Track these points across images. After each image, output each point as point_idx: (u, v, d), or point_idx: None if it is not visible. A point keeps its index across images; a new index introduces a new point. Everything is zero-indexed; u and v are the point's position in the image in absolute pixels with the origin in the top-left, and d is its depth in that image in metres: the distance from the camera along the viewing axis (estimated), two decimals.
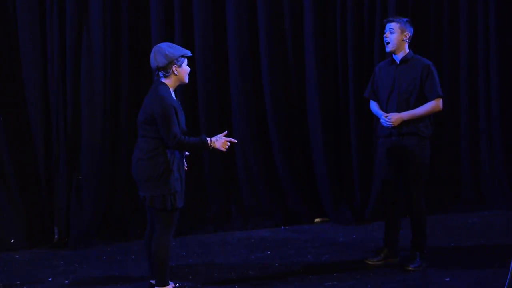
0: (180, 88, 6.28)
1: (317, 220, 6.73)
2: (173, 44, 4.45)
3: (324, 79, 6.69)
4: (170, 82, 4.39)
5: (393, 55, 5.11)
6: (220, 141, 4.40)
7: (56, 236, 6.01)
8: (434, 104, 5.00)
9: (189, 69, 4.46)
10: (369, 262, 5.18)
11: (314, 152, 6.72)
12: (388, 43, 5.06)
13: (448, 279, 4.84)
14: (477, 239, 5.89)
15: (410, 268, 5.03)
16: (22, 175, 5.92)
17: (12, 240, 5.84)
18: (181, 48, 4.40)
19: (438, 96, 5.00)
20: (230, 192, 6.58)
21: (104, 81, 6.03)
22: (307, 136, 6.79)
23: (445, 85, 7.09)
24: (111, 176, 6.16)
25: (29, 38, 5.89)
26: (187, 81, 4.47)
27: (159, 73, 4.37)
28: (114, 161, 6.18)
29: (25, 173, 5.94)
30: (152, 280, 4.61)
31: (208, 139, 4.37)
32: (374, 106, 5.22)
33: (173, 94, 4.41)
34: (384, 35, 5.09)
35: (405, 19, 5.10)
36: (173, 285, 4.62)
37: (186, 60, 4.42)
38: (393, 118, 4.96)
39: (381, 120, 5.05)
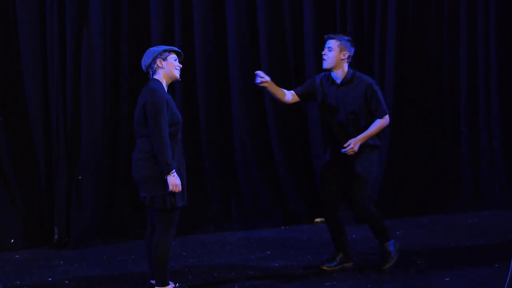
0: (180, 88, 6.33)
1: (317, 220, 6.73)
2: (160, 46, 4.53)
3: None
4: (160, 78, 4.42)
5: (332, 73, 4.96)
6: (176, 182, 4.28)
7: (56, 236, 6.01)
8: (382, 122, 4.94)
9: (178, 64, 4.47)
10: (325, 268, 5.09)
11: (314, 152, 6.71)
12: (324, 60, 4.92)
13: (448, 279, 4.84)
14: (477, 239, 5.89)
15: (387, 266, 4.99)
16: (22, 175, 5.92)
17: (12, 240, 5.84)
18: (168, 46, 4.48)
19: (384, 114, 4.94)
20: (230, 192, 6.58)
21: (104, 81, 6.03)
22: (307, 136, 6.79)
23: (445, 85, 7.11)
24: (111, 176, 6.16)
25: (29, 38, 5.88)
26: (178, 75, 4.48)
27: (149, 71, 4.43)
28: (114, 161, 6.18)
29: (25, 173, 5.94)
30: (152, 280, 4.61)
31: (174, 170, 4.27)
32: (285, 91, 5.08)
33: (166, 89, 4.42)
34: (323, 52, 4.94)
35: (346, 38, 4.93)
36: (173, 285, 4.63)
37: (173, 55, 4.44)
38: (353, 146, 4.84)
39: (342, 151, 4.90)
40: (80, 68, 6.00)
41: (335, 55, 4.91)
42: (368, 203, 5.07)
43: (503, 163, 7.13)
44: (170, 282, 4.52)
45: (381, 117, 4.95)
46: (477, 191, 7.16)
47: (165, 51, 4.43)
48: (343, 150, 4.89)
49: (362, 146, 4.93)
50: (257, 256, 5.52)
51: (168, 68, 4.42)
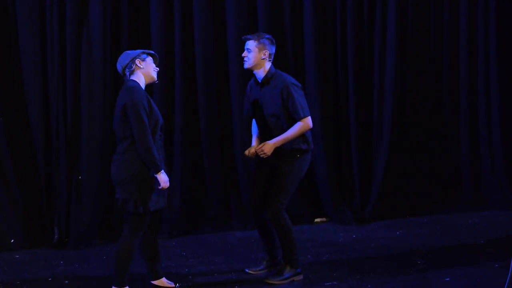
0: (180, 88, 6.33)
1: (317, 220, 6.73)
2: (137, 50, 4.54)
3: (323, 79, 6.68)
4: (138, 78, 4.41)
5: (254, 73, 4.87)
6: (165, 179, 4.30)
7: (56, 236, 6.01)
8: (302, 125, 4.75)
9: (156, 67, 4.49)
10: (251, 272, 5.01)
11: (314, 152, 6.68)
12: (245, 61, 4.81)
13: (448, 279, 4.84)
14: (477, 239, 5.89)
15: (270, 281, 4.79)
16: (22, 175, 5.92)
17: (12, 240, 5.84)
18: (145, 50, 4.50)
19: (303, 117, 4.74)
20: (230, 192, 6.57)
21: (104, 81, 6.03)
22: None
23: (445, 86, 7.11)
24: (111, 176, 6.15)
25: (29, 38, 5.88)
26: (155, 77, 4.49)
27: (126, 72, 4.42)
28: None
29: (25, 173, 5.94)
30: (152, 280, 4.62)
31: (163, 170, 4.29)
32: (254, 125, 5.01)
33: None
34: (243, 54, 4.83)
35: (265, 36, 4.83)
36: (173, 285, 4.65)
37: (150, 58, 4.46)
38: (265, 148, 4.72)
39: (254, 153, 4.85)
40: (80, 68, 6.00)
41: (255, 56, 4.78)
42: (281, 210, 4.81)
43: (503, 163, 7.12)
44: (166, 281, 4.56)
45: (299, 119, 4.74)
46: (477, 191, 7.15)
47: (143, 52, 4.45)
48: (256, 150, 4.79)
49: (286, 151, 4.78)
50: (257, 256, 5.52)
51: (146, 69, 4.43)
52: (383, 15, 6.77)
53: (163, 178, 4.28)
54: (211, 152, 6.47)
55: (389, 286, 4.73)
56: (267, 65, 4.85)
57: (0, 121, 5.86)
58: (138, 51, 4.48)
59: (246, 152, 4.95)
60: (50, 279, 5.04)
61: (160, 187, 4.30)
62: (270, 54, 4.84)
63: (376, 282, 4.81)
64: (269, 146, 4.75)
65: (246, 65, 4.85)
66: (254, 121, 5.06)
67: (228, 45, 6.46)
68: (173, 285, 4.65)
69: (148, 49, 6.10)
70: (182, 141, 6.36)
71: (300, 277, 4.91)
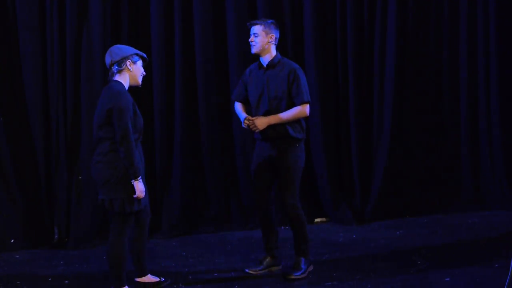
0: (180, 88, 6.33)
1: (317, 220, 6.73)
2: (130, 46, 4.51)
3: (324, 79, 6.69)
4: (123, 80, 4.39)
5: (260, 58, 4.94)
6: (141, 188, 4.31)
7: (56, 236, 6.02)
8: (300, 109, 4.84)
9: (144, 72, 4.48)
10: (251, 272, 5.01)
11: (314, 152, 6.71)
12: (253, 46, 4.89)
13: (448, 279, 4.84)
14: (477, 239, 5.89)
15: (292, 277, 4.85)
16: (22, 175, 5.92)
17: (12, 240, 5.85)
18: (137, 51, 4.46)
19: (304, 102, 4.84)
20: (230, 192, 6.58)
21: (104, 81, 6.02)
22: (307, 136, 6.77)
23: (445, 85, 7.11)
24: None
25: (29, 38, 5.89)
26: (140, 82, 4.48)
27: (113, 68, 4.37)
28: None
29: (25, 173, 5.94)
30: (138, 278, 4.64)
31: (140, 177, 4.29)
32: (237, 107, 5.09)
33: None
34: (249, 39, 4.91)
35: (269, 21, 4.93)
36: (158, 279, 4.68)
37: (141, 61, 4.45)
38: (257, 121, 4.80)
39: (242, 124, 4.91)
40: (80, 68, 6.00)
41: (261, 40, 4.88)
42: (296, 201, 4.90)
43: (503, 163, 7.12)
44: (151, 276, 4.59)
45: (300, 103, 4.84)
46: (477, 191, 7.15)
47: (136, 54, 4.41)
48: (243, 124, 4.85)
49: (285, 140, 4.85)
50: (257, 256, 5.51)
51: (134, 73, 4.42)
52: (383, 13, 6.76)
53: (139, 187, 4.30)
54: (211, 152, 6.47)
55: (389, 286, 4.73)
56: (273, 49, 4.95)
57: (0, 121, 5.86)
58: (131, 50, 4.41)
59: (246, 121, 4.90)
60: (50, 279, 5.05)
61: (135, 196, 4.30)
62: (276, 38, 4.94)
63: (376, 282, 4.81)
64: (263, 120, 4.81)
65: (254, 49, 4.93)
66: (237, 104, 5.09)
67: (228, 45, 6.46)
68: (158, 279, 4.67)
69: (149, 48, 6.17)
70: (182, 141, 6.36)
71: (311, 267, 5.01)
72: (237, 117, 6.47)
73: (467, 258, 5.32)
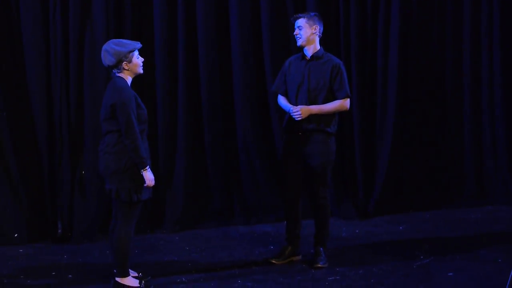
0: (183, 85, 6.33)
1: None
2: (122, 41, 4.54)
3: None
4: (125, 76, 4.51)
5: (304, 49, 5.10)
6: (150, 177, 4.43)
7: (59, 231, 6.02)
8: (342, 103, 5.03)
9: (142, 59, 4.56)
10: (274, 261, 5.15)
11: None
12: (299, 38, 5.07)
13: (451, 273, 4.84)
14: (480, 234, 5.89)
15: (320, 265, 5.03)
16: (26, 170, 5.94)
17: (16, 235, 5.86)
18: (129, 44, 4.50)
19: (346, 96, 5.03)
20: (233, 187, 6.58)
21: (107, 75, 6.01)
22: None
23: (448, 79, 7.09)
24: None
25: (32, 33, 5.89)
26: (141, 71, 4.58)
27: (112, 70, 4.50)
28: None
29: (29, 168, 5.95)
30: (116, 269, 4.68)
31: (148, 166, 4.41)
32: (282, 100, 5.21)
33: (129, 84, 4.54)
34: (294, 33, 5.09)
35: (312, 14, 5.12)
36: (136, 274, 4.71)
37: (136, 53, 4.51)
38: (302, 110, 4.95)
39: (290, 114, 5.01)
40: (83, 63, 6.00)
41: (306, 32, 5.06)
42: (327, 193, 5.11)
43: (507, 158, 7.11)
44: (131, 271, 4.62)
45: (342, 97, 5.01)
46: (481, 186, 7.14)
47: (129, 52, 4.45)
48: (290, 112, 4.95)
49: (319, 134, 5.00)
50: (260, 251, 5.53)
51: (132, 69, 4.51)
52: (387, 11, 6.75)
53: (148, 176, 4.43)
54: (214, 147, 6.47)
55: (391, 280, 4.74)
56: (317, 40, 5.11)
57: (3, 115, 5.87)
58: (124, 50, 4.43)
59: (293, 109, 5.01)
60: (53, 273, 5.06)
61: (145, 185, 4.42)
62: (319, 30, 5.10)
63: (378, 277, 4.81)
64: (307, 109, 4.97)
65: (300, 42, 5.08)
66: (281, 97, 5.21)
67: (232, 43, 6.45)
68: (136, 274, 4.72)
69: (152, 43, 6.16)
70: (185, 136, 6.36)
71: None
72: (240, 112, 6.51)
73: (470, 253, 5.32)
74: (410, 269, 4.97)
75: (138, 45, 4.53)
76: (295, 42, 6.56)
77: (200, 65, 6.38)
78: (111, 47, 4.45)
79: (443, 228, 6.16)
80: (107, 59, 4.46)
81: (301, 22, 5.06)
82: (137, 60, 4.52)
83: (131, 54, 4.47)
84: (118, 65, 4.46)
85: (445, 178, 7.07)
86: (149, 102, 6.15)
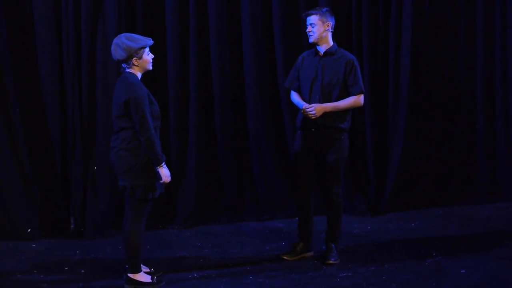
0: (195, 81, 6.33)
1: None
2: (134, 36, 4.52)
3: None
4: (135, 71, 4.51)
5: (317, 46, 5.09)
6: (167, 173, 4.45)
7: (72, 226, 6.06)
8: (356, 99, 5.02)
9: (152, 56, 4.56)
10: (286, 258, 5.16)
11: None
12: (311, 35, 5.04)
13: (463, 271, 4.83)
14: (493, 231, 5.86)
15: (331, 262, 5.03)
16: (39, 165, 5.97)
17: (29, 230, 5.90)
18: (141, 40, 4.49)
19: (360, 92, 5.01)
20: (245, 183, 6.58)
21: (119, 72, 6.01)
22: None
23: (461, 76, 7.05)
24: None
25: (45, 30, 5.91)
26: (151, 68, 4.59)
27: (122, 65, 4.50)
28: None
29: (42, 164, 5.98)
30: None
31: (164, 163, 4.43)
32: (295, 96, 5.20)
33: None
34: (307, 30, 5.06)
35: (324, 9, 5.09)
36: (148, 270, 4.74)
37: (147, 49, 4.51)
38: (316, 108, 4.93)
39: (303, 109, 5.00)
40: (96, 59, 6.02)
41: (319, 29, 5.04)
42: (340, 190, 5.13)
43: None
44: (142, 266, 4.64)
45: (356, 93, 5.00)
46: (493, 183, 7.10)
47: (140, 48, 4.45)
48: (305, 107, 4.93)
49: (333, 130, 4.99)
50: (272, 247, 5.53)
51: (142, 65, 4.52)
52: (399, 5, 6.71)
53: (164, 173, 4.44)
54: (226, 143, 6.48)
55: (403, 277, 4.72)
56: (330, 36, 5.09)
57: (16, 111, 5.90)
58: (135, 46, 4.42)
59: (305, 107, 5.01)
60: (66, 268, 5.09)
61: (161, 181, 4.44)
62: (332, 26, 5.09)
63: (390, 273, 4.80)
64: (321, 108, 4.95)
65: (312, 39, 5.06)
66: (294, 93, 5.20)
67: (243, 34, 6.44)
68: (148, 270, 4.74)
69: (163, 38, 6.17)
70: (197, 132, 6.37)
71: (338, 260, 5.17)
72: (252, 108, 6.51)
73: (483, 250, 5.30)
74: (422, 266, 4.96)
75: (150, 41, 4.52)
76: (307, 38, 6.57)
77: (212, 61, 6.38)
78: (122, 41, 4.44)
79: (456, 225, 6.14)
80: (117, 53, 4.45)
81: (313, 19, 5.04)
82: (147, 56, 4.51)
83: (142, 50, 4.46)
84: (128, 60, 4.45)
85: (458, 175, 7.03)
86: (161, 98, 6.15)
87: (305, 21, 5.10)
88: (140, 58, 4.47)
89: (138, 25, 6.16)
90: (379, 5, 6.72)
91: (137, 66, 4.49)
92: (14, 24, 5.88)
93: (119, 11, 6.02)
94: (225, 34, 6.42)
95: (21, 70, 5.94)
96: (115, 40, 4.48)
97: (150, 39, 4.56)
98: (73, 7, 5.93)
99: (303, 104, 5.03)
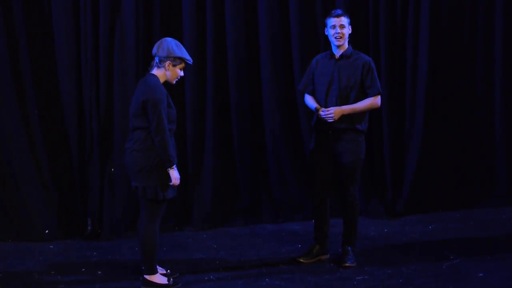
0: (212, 81, 6.34)
1: None
2: (182, 46, 4.62)
3: None
4: (160, 75, 4.56)
5: (334, 48, 5.07)
6: (176, 176, 4.47)
7: (89, 228, 6.09)
8: (373, 100, 5.03)
9: (182, 74, 4.63)
10: (302, 260, 5.14)
11: None
12: (341, 37, 4.99)
13: (481, 274, 4.79)
14: (511, 235, 5.81)
15: (348, 265, 5.01)
16: (56, 167, 6.01)
17: (47, 231, 5.94)
18: (185, 53, 4.59)
19: (378, 93, 5.02)
20: (261, 185, 6.58)
21: (136, 73, 6.07)
22: None
23: (479, 77, 6.99)
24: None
25: (64, 32, 5.95)
26: (174, 82, 4.66)
27: (155, 59, 4.55)
28: None
29: (59, 165, 6.03)
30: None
31: (175, 165, 4.45)
32: (309, 99, 5.19)
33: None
34: (337, 30, 4.99)
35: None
36: (164, 272, 4.75)
37: (182, 64, 4.58)
38: (335, 112, 4.92)
39: (321, 114, 4.97)
40: (113, 62, 6.05)
41: (347, 31, 5.06)
42: (357, 192, 5.12)
43: None
44: (159, 268, 4.66)
45: (373, 94, 5.01)
46: (511, 186, 7.04)
47: (180, 59, 4.53)
48: (321, 113, 4.93)
49: (350, 132, 4.98)
50: (288, 249, 5.53)
51: (171, 74, 4.58)
52: (417, 2, 6.67)
53: (175, 175, 4.46)
54: (242, 145, 6.48)
55: (421, 280, 4.70)
56: (347, 41, 5.11)
57: (35, 114, 5.95)
58: (178, 53, 4.53)
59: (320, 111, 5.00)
60: (83, 269, 5.12)
61: (171, 183, 4.46)
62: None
63: (407, 277, 4.78)
64: (339, 110, 4.95)
65: (342, 41, 5.04)
66: (308, 96, 5.20)
67: (260, 39, 6.44)
68: (164, 271, 4.75)
69: (180, 40, 6.17)
70: (214, 134, 6.38)
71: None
72: (268, 110, 6.50)
73: (501, 253, 5.25)
74: (440, 269, 4.93)
75: (190, 61, 4.61)
76: (325, 39, 6.58)
77: (229, 64, 6.39)
78: (170, 43, 4.55)
79: (473, 228, 6.09)
80: (159, 48, 4.53)
81: (345, 21, 5.03)
82: (179, 71, 4.60)
83: (180, 61, 4.55)
84: (162, 60, 4.52)
85: (476, 177, 6.98)
86: (178, 100, 6.16)
87: (334, 20, 5.01)
88: (174, 66, 4.54)
89: (156, 29, 6.18)
90: (397, 7, 6.69)
91: (165, 71, 4.54)
92: (33, 25, 5.93)
93: (136, 15, 6.05)
94: (242, 37, 6.42)
95: (40, 73, 5.99)
96: (167, 38, 4.60)
97: (191, 60, 4.63)
98: (91, 8, 5.97)
99: (316, 106, 5.03)
